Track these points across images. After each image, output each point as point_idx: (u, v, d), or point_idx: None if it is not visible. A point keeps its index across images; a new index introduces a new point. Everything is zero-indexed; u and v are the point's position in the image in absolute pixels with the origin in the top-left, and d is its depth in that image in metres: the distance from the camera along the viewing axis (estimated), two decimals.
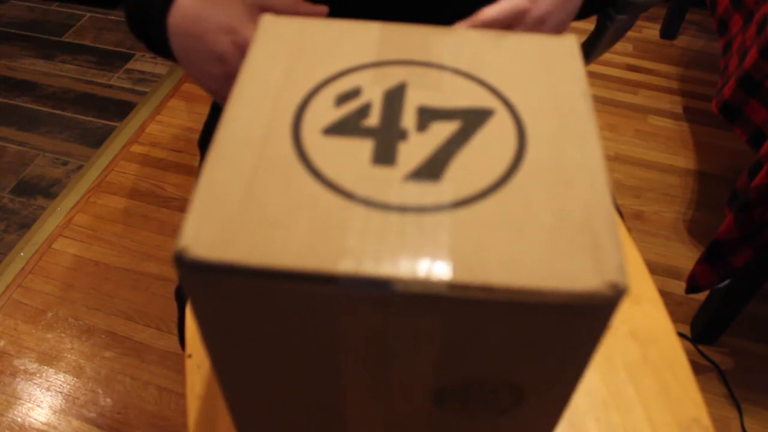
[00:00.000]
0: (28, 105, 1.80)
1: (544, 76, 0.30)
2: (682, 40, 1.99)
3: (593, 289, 0.22)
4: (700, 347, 1.26)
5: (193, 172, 1.59)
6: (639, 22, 2.02)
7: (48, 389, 1.21)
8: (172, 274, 1.38)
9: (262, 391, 0.30)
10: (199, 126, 1.67)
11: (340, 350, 0.26)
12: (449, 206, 0.25)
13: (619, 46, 1.93)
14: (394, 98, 0.29)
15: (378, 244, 0.23)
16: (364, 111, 0.28)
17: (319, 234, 0.23)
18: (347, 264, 0.23)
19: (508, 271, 0.23)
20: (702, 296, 1.27)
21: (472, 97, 0.29)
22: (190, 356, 0.49)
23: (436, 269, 0.23)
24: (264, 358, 0.27)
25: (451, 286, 0.22)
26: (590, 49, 0.88)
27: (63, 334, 1.29)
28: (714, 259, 1.06)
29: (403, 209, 0.24)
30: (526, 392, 0.28)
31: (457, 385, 0.28)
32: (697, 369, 1.23)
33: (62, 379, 1.22)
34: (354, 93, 0.29)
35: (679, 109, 1.76)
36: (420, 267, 0.23)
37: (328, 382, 0.28)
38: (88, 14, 2.12)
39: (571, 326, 0.24)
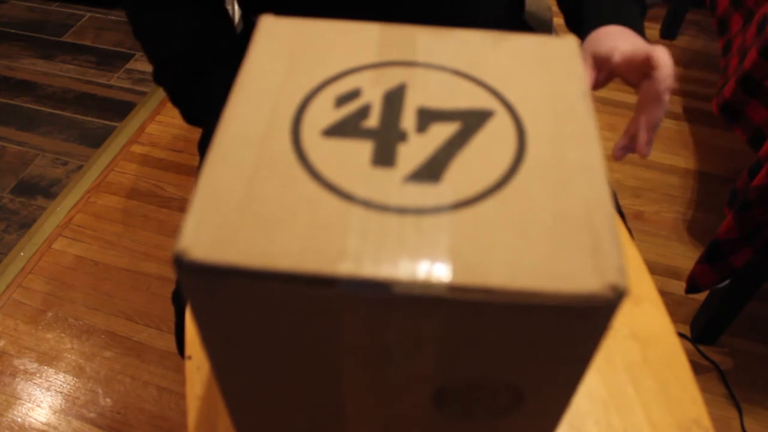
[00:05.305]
0: (28, 105, 1.80)
1: (543, 76, 0.30)
2: (682, 40, 1.99)
3: (593, 291, 0.22)
4: (700, 347, 1.26)
5: (193, 172, 1.59)
6: None
7: (48, 389, 1.21)
8: (171, 274, 1.38)
9: (261, 393, 0.30)
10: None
11: (339, 352, 0.26)
12: (449, 208, 0.25)
13: None
14: (394, 99, 0.29)
15: (377, 246, 0.23)
16: (363, 112, 0.28)
17: (319, 235, 0.23)
18: (346, 266, 0.23)
19: (508, 273, 0.23)
20: (702, 296, 1.27)
21: (471, 98, 0.29)
22: (190, 357, 0.49)
23: (436, 271, 0.23)
24: (263, 359, 0.27)
25: (451, 287, 0.22)
26: None
27: (63, 334, 1.29)
28: (714, 259, 1.05)
29: (402, 211, 0.24)
30: (526, 394, 0.28)
31: (456, 387, 0.28)
32: (697, 369, 1.23)
33: (62, 379, 1.22)
34: (354, 94, 0.29)
35: (679, 109, 1.76)
36: (419, 269, 0.23)
37: (328, 383, 0.28)
38: (88, 14, 2.12)
39: (571, 328, 0.24)
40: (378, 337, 0.25)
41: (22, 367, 1.24)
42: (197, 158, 1.55)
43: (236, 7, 0.98)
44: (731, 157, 1.63)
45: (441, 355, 0.26)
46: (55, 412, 1.18)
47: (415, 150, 0.27)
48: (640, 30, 0.58)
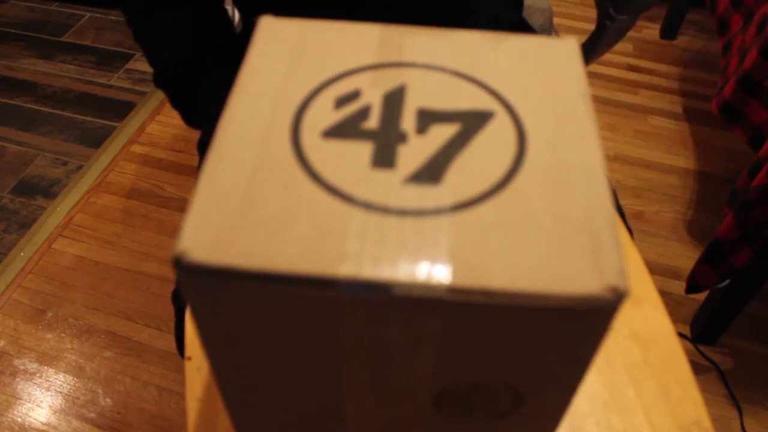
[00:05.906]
0: (28, 105, 1.80)
1: (543, 77, 0.30)
2: (682, 40, 1.99)
3: (593, 292, 0.22)
4: (700, 347, 1.26)
5: (193, 172, 1.59)
6: (639, 22, 2.02)
7: (48, 389, 1.21)
8: (171, 274, 1.38)
9: (261, 394, 0.30)
10: None
11: (339, 354, 0.26)
12: (449, 209, 0.25)
13: (619, 46, 1.93)
14: (394, 100, 0.29)
15: (377, 248, 0.23)
16: (363, 113, 0.28)
17: (318, 237, 0.23)
18: (346, 268, 0.23)
19: (508, 275, 0.23)
20: (702, 296, 1.27)
21: (471, 99, 0.29)
22: (189, 358, 0.49)
23: (436, 273, 0.22)
24: (263, 361, 0.27)
25: (451, 289, 0.22)
26: (591, 50, 0.88)
27: (63, 334, 1.29)
28: (714, 259, 1.06)
29: (402, 212, 0.24)
30: (526, 396, 0.28)
31: (456, 389, 0.28)
32: (697, 369, 1.23)
33: (62, 379, 1.22)
34: (353, 95, 0.29)
35: (679, 109, 1.76)
36: (419, 271, 0.23)
37: (328, 385, 0.28)
38: (88, 14, 2.12)
39: (571, 330, 0.24)
40: (378, 339, 0.25)
41: (22, 367, 1.24)
42: (197, 158, 1.55)
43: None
44: (731, 157, 1.63)
45: (441, 357, 0.26)
46: (55, 412, 1.18)
47: (415, 151, 0.27)
48: None
